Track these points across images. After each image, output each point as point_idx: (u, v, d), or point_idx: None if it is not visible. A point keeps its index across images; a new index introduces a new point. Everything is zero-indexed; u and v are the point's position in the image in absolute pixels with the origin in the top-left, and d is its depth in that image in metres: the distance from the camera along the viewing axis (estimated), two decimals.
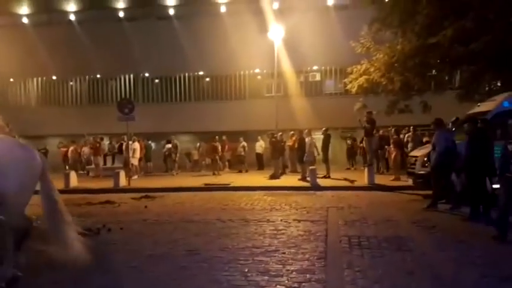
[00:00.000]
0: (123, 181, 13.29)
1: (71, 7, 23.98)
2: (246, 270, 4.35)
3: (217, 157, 17.29)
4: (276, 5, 21.41)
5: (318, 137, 14.98)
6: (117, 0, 23.62)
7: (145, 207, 9.12)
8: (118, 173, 13.28)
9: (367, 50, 13.81)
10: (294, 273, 4.24)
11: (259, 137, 18.63)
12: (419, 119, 13.88)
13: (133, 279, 4.19)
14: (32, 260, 4.38)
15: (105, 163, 18.23)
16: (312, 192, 11.10)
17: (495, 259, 4.67)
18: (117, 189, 12.45)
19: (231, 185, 12.83)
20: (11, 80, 24.79)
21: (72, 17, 23.87)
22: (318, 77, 23.09)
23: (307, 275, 4.15)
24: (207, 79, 24.12)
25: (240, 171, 17.68)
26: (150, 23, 22.93)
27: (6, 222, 3.81)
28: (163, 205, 9.50)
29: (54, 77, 24.73)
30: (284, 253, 4.99)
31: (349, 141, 18.46)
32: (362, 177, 12.48)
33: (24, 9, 24.14)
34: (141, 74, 24.21)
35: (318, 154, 14.22)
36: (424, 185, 9.24)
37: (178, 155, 18.17)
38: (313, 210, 8.08)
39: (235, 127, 20.22)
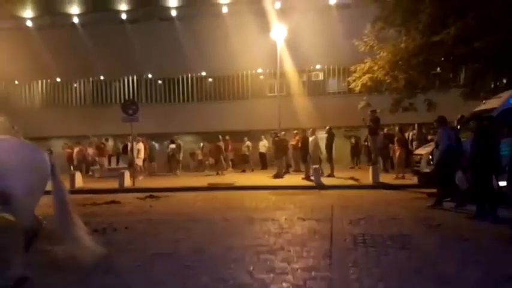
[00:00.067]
0: (127, 181, 13.35)
1: (74, 10, 24.13)
2: (251, 268, 4.35)
3: (221, 157, 17.32)
4: (277, 5, 21.42)
5: (322, 136, 14.97)
6: (120, 2, 23.73)
7: (150, 206, 9.16)
8: (123, 174, 13.35)
9: (370, 49, 13.78)
10: (299, 271, 4.23)
11: (262, 137, 18.65)
12: (423, 117, 13.82)
13: (139, 278, 4.20)
14: (39, 259, 4.41)
15: (109, 164, 18.32)
16: (316, 191, 11.09)
17: (500, 258, 4.63)
18: (122, 190, 12.51)
19: (235, 184, 12.85)
20: (16, 82, 24.97)
21: (75, 20, 24.01)
22: (320, 76, 23.07)
23: (313, 273, 4.14)
24: (210, 79, 24.17)
25: (244, 171, 17.70)
26: (153, 24, 23.01)
27: (16, 223, 3.84)
28: (168, 205, 9.53)
29: (58, 79, 24.88)
30: (289, 251, 4.98)
31: (353, 140, 18.44)
32: (366, 176, 12.45)
33: (27, 13, 24.30)
34: (144, 75, 24.30)
35: (321, 153, 14.21)
36: (429, 183, 9.20)
37: (182, 155, 18.22)
38: (318, 209, 8.07)
39: (238, 127, 20.25)
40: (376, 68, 13.58)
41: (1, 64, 20.65)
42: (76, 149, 19.11)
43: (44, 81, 25.18)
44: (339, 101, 20.46)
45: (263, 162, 18.75)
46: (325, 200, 9.38)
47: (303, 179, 13.37)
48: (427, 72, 13.34)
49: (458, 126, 9.71)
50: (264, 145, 18.62)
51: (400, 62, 13.06)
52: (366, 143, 16.62)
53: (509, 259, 4.60)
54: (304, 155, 13.94)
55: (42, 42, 22.30)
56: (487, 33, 10.74)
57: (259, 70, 23.01)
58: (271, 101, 19.25)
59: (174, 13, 23.15)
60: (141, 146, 15.93)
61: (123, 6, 23.70)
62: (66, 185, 4.72)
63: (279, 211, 7.95)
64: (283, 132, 15.76)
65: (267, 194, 10.47)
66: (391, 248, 5.04)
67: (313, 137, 14.22)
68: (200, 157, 19.39)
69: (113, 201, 9.83)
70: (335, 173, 13.95)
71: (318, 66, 22.65)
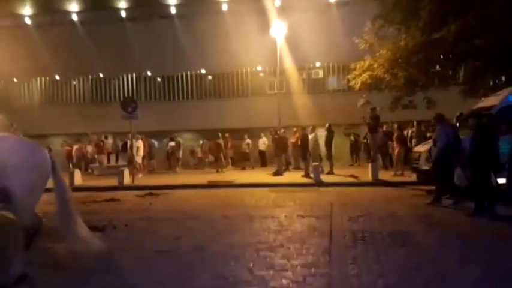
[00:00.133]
0: (127, 179, 13.35)
1: (73, 7, 24.08)
2: (251, 265, 4.36)
3: (221, 154, 17.34)
4: (277, 3, 21.39)
5: (321, 133, 14.98)
6: (119, 0, 23.66)
7: (150, 204, 9.16)
8: (122, 171, 13.35)
9: (370, 46, 13.77)
10: (298, 267, 4.24)
11: (262, 134, 18.65)
12: (423, 114, 13.82)
13: (139, 275, 4.21)
14: (39, 257, 4.42)
15: (108, 161, 18.32)
16: (316, 188, 11.11)
17: (500, 255, 4.65)
18: (121, 187, 12.51)
19: (235, 182, 12.86)
20: (15, 80, 24.92)
21: (74, 18, 23.98)
22: (320, 74, 23.07)
23: (312, 269, 4.15)
24: (209, 77, 24.15)
25: (244, 168, 17.71)
26: (152, 22, 22.99)
27: (16, 221, 3.84)
28: (168, 202, 9.55)
29: (57, 77, 24.86)
30: (289, 248, 4.99)
31: (352, 138, 18.46)
32: (365, 173, 12.47)
33: (26, 10, 24.26)
34: (144, 73, 24.28)
35: (320, 151, 14.23)
36: (428, 180, 9.21)
37: (181, 152, 18.23)
38: (317, 206, 8.08)
39: (237, 125, 20.25)
40: (375, 65, 13.58)
41: (0, 62, 20.63)
42: (75, 147, 19.11)
43: (43, 79, 25.15)
44: (339, 98, 20.47)
45: (263, 160, 18.77)
46: (325, 197, 9.40)
47: (302, 176, 13.39)
48: (426, 70, 13.35)
49: (457, 124, 9.71)
50: (263, 143, 18.63)
51: (399, 60, 13.06)
52: (365, 141, 16.64)
53: (508, 256, 4.61)
54: (304, 153, 13.95)
55: (41, 40, 22.28)
56: (487, 32, 10.74)
57: (259, 68, 23.00)
58: (270, 99, 19.25)
59: (173, 11, 23.11)
60: (140, 143, 15.93)
61: (123, 4, 23.66)
62: (65, 182, 4.72)
63: (278, 208, 7.96)
64: (282, 130, 15.77)
65: (266, 192, 10.49)
66: (391, 245, 5.06)
67: (313, 134, 14.23)
68: (200, 155, 19.40)
69: (113, 199, 9.83)
70: (334, 171, 13.98)
71: (317, 64, 22.64)
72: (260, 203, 8.76)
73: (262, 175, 14.35)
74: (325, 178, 12.44)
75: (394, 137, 13.94)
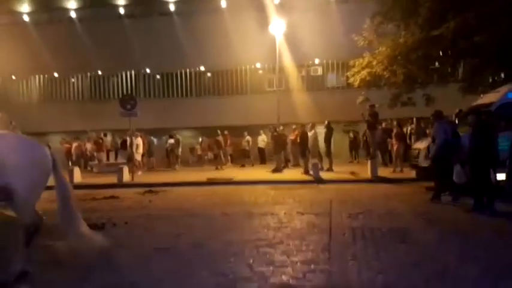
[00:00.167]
0: (126, 176, 13.34)
1: (72, 4, 23.99)
2: (251, 261, 4.37)
3: (220, 152, 17.35)
4: (276, 0, 21.31)
5: (320, 131, 14.98)
6: None
7: (149, 201, 9.17)
8: (122, 169, 13.35)
9: (369, 43, 13.75)
10: (298, 264, 4.26)
11: (261, 132, 18.64)
12: (422, 111, 13.84)
13: (139, 273, 4.22)
14: (40, 255, 4.42)
15: (108, 159, 18.30)
16: (315, 185, 11.12)
17: (499, 251, 4.66)
18: (120, 185, 12.51)
19: (234, 179, 12.87)
20: (13, 77, 24.85)
21: (73, 15, 23.89)
22: (319, 71, 23.04)
23: (312, 266, 4.17)
24: (208, 74, 24.12)
25: (243, 166, 17.72)
26: (151, 19, 22.91)
27: (17, 218, 3.84)
28: (167, 200, 9.55)
29: (55, 74, 24.80)
30: (288, 245, 5.00)
31: (351, 135, 18.47)
32: (365, 170, 12.49)
33: (25, 7, 24.15)
34: (142, 70, 24.23)
35: (319, 149, 14.23)
36: (427, 177, 9.22)
37: (180, 149, 18.22)
38: (317, 203, 8.09)
39: (237, 122, 20.24)
40: (375, 62, 13.56)
41: None
42: (75, 144, 19.08)
43: (42, 76, 25.10)
44: (338, 95, 20.47)
45: (262, 157, 18.77)
46: (324, 194, 9.41)
47: (301, 173, 13.40)
48: (425, 67, 13.33)
49: (457, 121, 9.72)
50: (262, 140, 18.62)
51: (399, 57, 13.04)
52: (365, 138, 16.65)
53: (507, 253, 4.63)
54: (303, 150, 13.95)
55: (40, 37, 22.22)
56: (486, 29, 10.73)
57: (258, 65, 22.96)
58: (270, 96, 19.23)
59: (172, 8, 23.02)
60: (139, 141, 15.91)
61: (121, 1, 23.57)
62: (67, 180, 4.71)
63: (278, 205, 7.97)
64: (281, 127, 15.76)
65: (266, 189, 10.49)
66: (390, 242, 5.07)
67: (313, 131, 14.21)
68: (199, 152, 19.39)
69: (112, 196, 9.83)
70: (334, 168, 13.99)
71: (316, 61, 22.62)
72: (259, 200, 8.76)
73: (262, 172, 14.36)
74: (324, 175, 12.45)
75: (393, 133, 13.95)
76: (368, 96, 14.29)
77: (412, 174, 11.06)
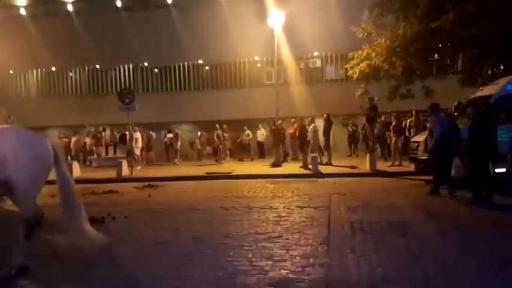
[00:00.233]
0: (125, 171, 13.33)
1: None
2: (250, 255, 4.39)
3: (220, 146, 17.34)
4: None
5: (319, 124, 14.95)
6: None
7: (149, 196, 9.17)
8: (120, 163, 13.33)
9: (368, 35, 13.67)
10: (297, 258, 4.27)
11: (260, 125, 18.61)
12: (421, 104, 13.79)
13: (139, 267, 4.23)
14: (40, 249, 4.43)
15: (107, 153, 18.28)
16: (314, 179, 11.13)
17: (498, 244, 4.68)
18: (120, 179, 12.50)
19: (233, 173, 12.86)
20: (11, 72, 24.71)
21: (69, 8, 23.66)
22: (318, 64, 22.91)
23: (311, 260, 4.18)
24: (207, 68, 24.00)
25: (241, 160, 17.72)
26: (148, 12, 22.73)
27: (17, 212, 3.84)
28: (166, 194, 9.56)
29: (53, 68, 24.64)
30: (287, 239, 5.02)
31: (350, 128, 18.44)
32: (364, 164, 12.49)
33: (21, 1, 23.91)
34: (140, 64, 24.08)
35: (319, 142, 14.22)
36: (426, 170, 9.23)
37: (179, 144, 18.20)
38: (316, 196, 8.11)
39: (235, 116, 20.19)
40: (374, 54, 13.49)
41: None
42: (74, 139, 19.04)
43: (40, 70, 24.94)
44: (337, 88, 20.39)
45: (261, 151, 18.76)
46: (323, 188, 9.42)
47: (300, 167, 13.39)
48: (424, 59, 13.28)
49: (456, 113, 9.71)
50: (261, 134, 18.60)
51: (398, 49, 12.98)
52: (364, 131, 16.63)
53: (506, 246, 4.64)
54: (302, 144, 13.93)
55: (37, 31, 22.05)
56: (486, 20, 10.68)
57: (257, 58, 22.83)
58: (268, 89, 19.16)
59: (169, 0, 22.82)
60: (138, 135, 15.87)
61: None
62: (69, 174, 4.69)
63: (277, 199, 7.99)
64: (280, 121, 15.73)
65: (265, 183, 10.50)
66: (389, 235, 5.09)
67: (313, 125, 14.17)
68: (198, 146, 19.38)
69: (111, 191, 9.82)
70: (332, 161, 13.99)
71: (315, 53, 22.49)
72: (258, 194, 8.77)
73: (261, 166, 14.36)
74: (323, 169, 12.46)
75: (391, 126, 13.93)
76: (367, 88, 14.25)
77: (411, 167, 11.07)
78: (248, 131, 18.59)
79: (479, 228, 5.35)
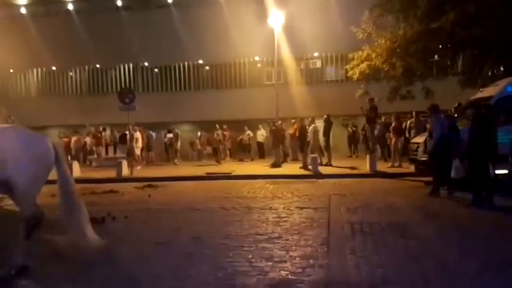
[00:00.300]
0: (125, 171, 13.33)
1: None
2: (250, 256, 4.39)
3: (219, 146, 17.35)
4: None
5: (319, 124, 14.95)
6: None
7: (149, 196, 9.17)
8: (120, 163, 13.33)
9: (368, 36, 13.67)
10: (297, 259, 4.27)
11: (260, 126, 18.61)
12: (421, 105, 13.80)
13: (139, 267, 4.23)
14: (40, 249, 4.43)
15: (107, 153, 18.28)
16: (314, 180, 11.12)
17: (498, 246, 4.68)
18: (120, 179, 12.50)
19: (233, 173, 12.86)
20: (11, 71, 24.70)
21: (70, 7, 23.67)
22: (318, 64, 22.92)
23: (311, 261, 4.18)
24: (207, 68, 23.99)
25: (241, 160, 17.72)
26: (149, 11, 22.74)
27: (17, 211, 3.84)
28: (167, 194, 9.56)
29: (53, 68, 24.63)
30: (287, 240, 5.02)
31: (350, 129, 18.44)
32: (364, 165, 12.49)
33: (21, 0, 23.90)
34: (141, 64, 24.08)
35: (319, 143, 14.23)
36: (426, 171, 9.23)
37: (179, 144, 18.20)
38: (315, 197, 8.11)
39: (235, 116, 20.18)
40: (374, 55, 13.49)
41: None
42: (74, 138, 19.04)
43: (40, 69, 24.94)
44: (337, 89, 20.39)
45: (261, 152, 18.76)
46: (323, 188, 9.42)
47: (300, 168, 13.39)
48: (425, 60, 13.27)
49: (456, 114, 9.71)
50: (261, 134, 18.60)
51: (398, 50, 12.98)
52: (364, 132, 16.63)
53: (506, 247, 4.64)
54: (302, 144, 13.93)
55: (37, 30, 22.05)
56: (486, 20, 10.68)
57: (257, 58, 22.83)
58: (268, 90, 19.16)
59: (170, 0, 22.82)
60: (138, 135, 15.87)
61: None
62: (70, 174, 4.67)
63: (277, 200, 7.99)
64: (280, 121, 15.74)
65: (265, 183, 10.50)
66: (389, 236, 5.09)
67: (313, 125, 14.17)
68: (198, 146, 19.38)
69: (111, 191, 9.82)
70: (332, 162, 13.99)
71: (315, 54, 22.49)
72: (258, 195, 8.77)
73: (261, 167, 14.36)
74: (323, 169, 12.46)
75: (391, 127, 13.94)
76: (367, 89, 14.25)
77: (411, 168, 11.07)
78: (249, 131, 18.61)
79: (479, 230, 5.35)
